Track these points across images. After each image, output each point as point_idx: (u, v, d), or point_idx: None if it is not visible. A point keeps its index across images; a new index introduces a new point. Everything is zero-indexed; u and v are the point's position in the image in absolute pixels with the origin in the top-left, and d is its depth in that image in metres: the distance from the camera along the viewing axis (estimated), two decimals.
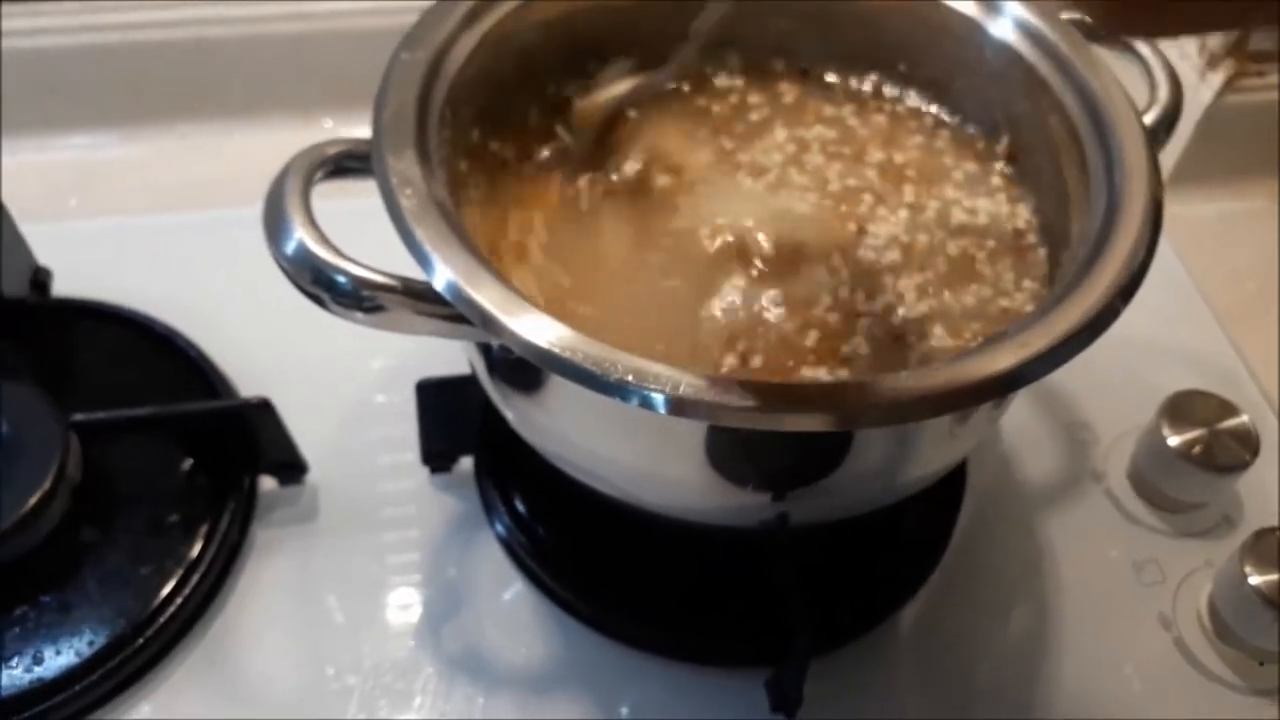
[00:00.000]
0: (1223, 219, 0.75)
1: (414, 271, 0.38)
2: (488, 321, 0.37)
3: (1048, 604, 0.55)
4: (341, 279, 0.38)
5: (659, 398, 0.35)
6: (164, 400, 0.56)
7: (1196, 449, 0.56)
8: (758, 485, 0.43)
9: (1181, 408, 0.57)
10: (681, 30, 0.52)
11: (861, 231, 0.47)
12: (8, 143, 0.71)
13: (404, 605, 0.54)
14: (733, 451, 0.41)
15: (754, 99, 0.53)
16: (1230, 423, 0.56)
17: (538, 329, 0.36)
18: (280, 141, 0.74)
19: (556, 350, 0.35)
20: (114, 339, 0.61)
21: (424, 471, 0.57)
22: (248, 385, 0.60)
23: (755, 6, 0.52)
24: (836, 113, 0.53)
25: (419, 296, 0.38)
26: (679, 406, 0.35)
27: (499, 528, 0.55)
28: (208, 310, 0.62)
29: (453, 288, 0.37)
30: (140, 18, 0.73)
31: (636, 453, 0.43)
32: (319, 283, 0.38)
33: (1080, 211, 0.43)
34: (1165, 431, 0.56)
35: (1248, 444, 0.55)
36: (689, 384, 0.35)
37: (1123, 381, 0.62)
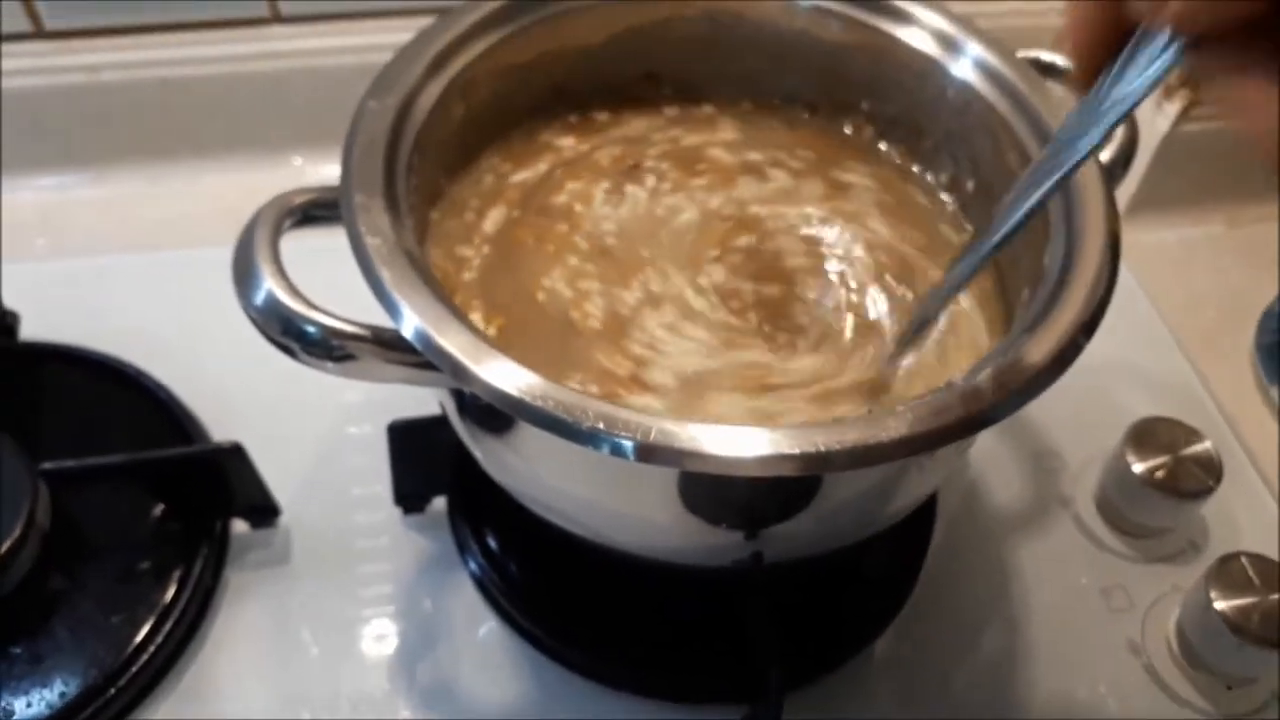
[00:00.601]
0: (1181, 245, 0.77)
1: (383, 317, 0.39)
2: (458, 370, 0.37)
3: (1018, 632, 0.56)
4: (311, 329, 0.38)
5: (629, 444, 0.35)
6: (134, 443, 0.56)
7: (1161, 475, 0.56)
8: (730, 525, 0.43)
9: (1146, 434, 0.58)
10: (644, 73, 0.53)
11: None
12: None
13: (379, 646, 0.54)
14: (704, 493, 0.41)
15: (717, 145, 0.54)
16: (1194, 449, 0.57)
17: (508, 377, 0.36)
18: (249, 181, 0.75)
19: (527, 399, 0.36)
20: (83, 382, 0.61)
21: (397, 512, 0.57)
22: (218, 425, 0.60)
23: (720, 48, 0.53)
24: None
25: (389, 345, 0.38)
26: (649, 454, 0.35)
27: (472, 567, 0.55)
28: (178, 351, 0.62)
29: (422, 336, 0.37)
30: (107, 59, 0.73)
31: (608, 495, 0.43)
32: (289, 333, 0.38)
33: (1039, 248, 0.43)
34: (1130, 458, 0.57)
35: (1211, 470, 0.56)
36: (660, 431, 0.35)
37: (1088, 409, 0.63)
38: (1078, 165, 0.35)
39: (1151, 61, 0.31)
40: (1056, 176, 0.35)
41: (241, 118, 0.75)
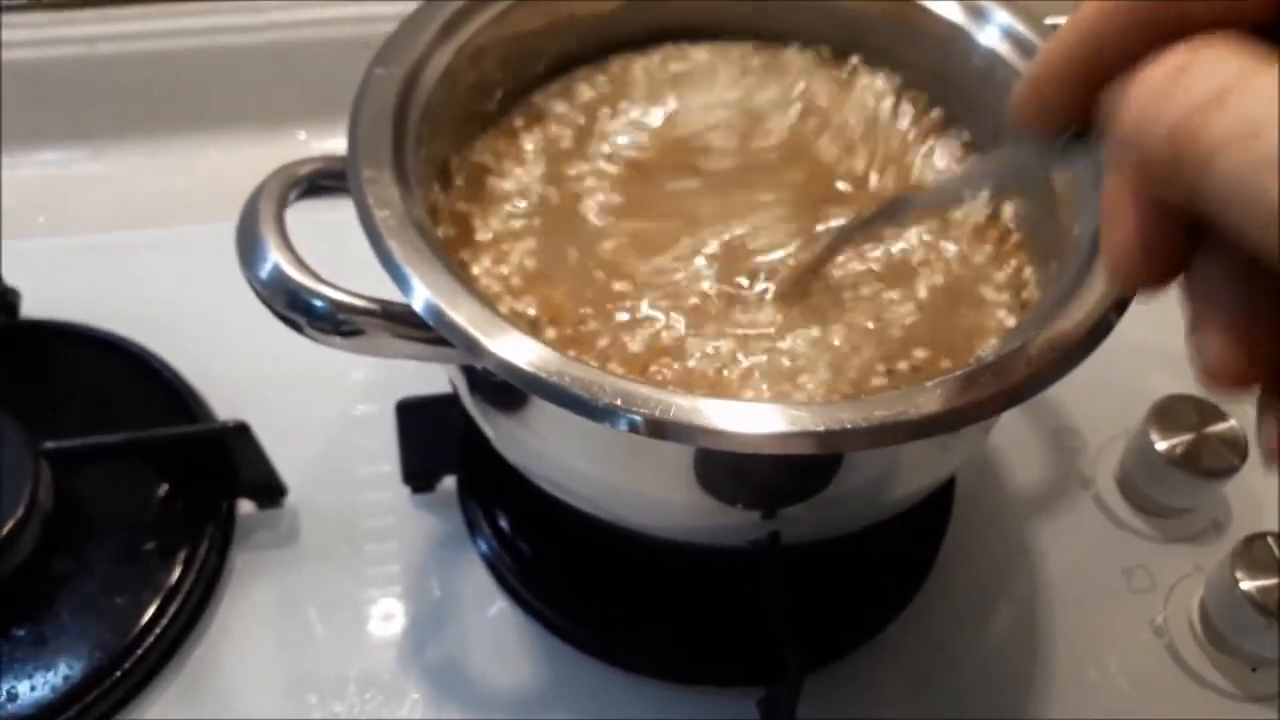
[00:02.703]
0: None
1: (392, 291, 0.37)
2: (470, 345, 0.36)
3: (1037, 613, 0.55)
4: (318, 303, 0.37)
5: (647, 421, 0.34)
6: (138, 422, 0.55)
7: (1185, 453, 0.55)
8: (747, 504, 0.42)
9: (1169, 412, 0.56)
10: (658, 38, 0.52)
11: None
12: None
13: (387, 627, 0.53)
14: (721, 471, 0.40)
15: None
16: (1218, 427, 0.56)
17: (521, 352, 0.35)
18: (253, 154, 0.73)
19: (542, 374, 0.35)
20: (86, 361, 0.60)
21: (405, 491, 0.56)
22: (223, 403, 0.59)
23: (733, 13, 0.51)
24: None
25: (399, 320, 0.37)
26: (667, 430, 0.34)
27: (482, 547, 0.54)
28: (181, 329, 0.61)
29: (433, 310, 0.36)
30: (108, 30, 0.71)
31: (623, 473, 0.42)
32: (295, 307, 0.37)
33: (1069, 218, 0.42)
34: (1153, 436, 0.56)
35: (1236, 448, 0.55)
36: (678, 408, 0.34)
37: (1109, 386, 0.61)
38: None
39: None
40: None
41: (244, 91, 0.74)
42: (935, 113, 0.50)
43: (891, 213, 0.43)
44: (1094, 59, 0.26)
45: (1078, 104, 0.27)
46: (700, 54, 0.53)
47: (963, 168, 0.38)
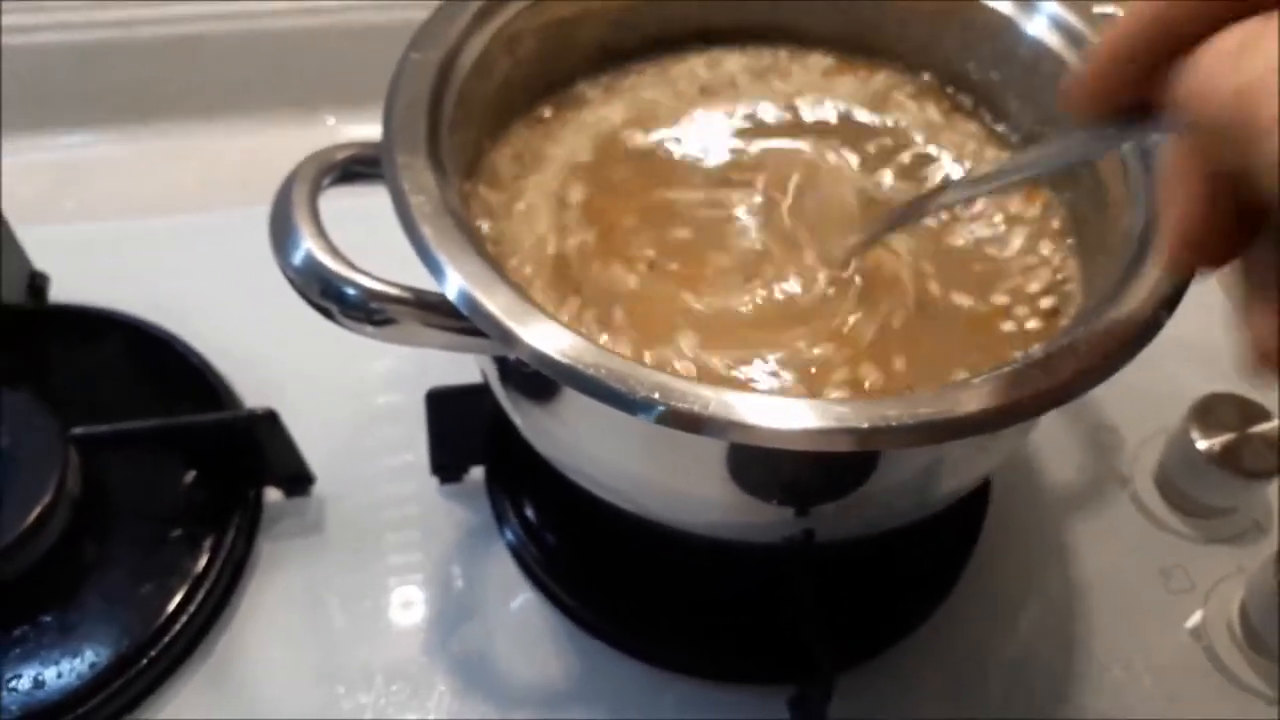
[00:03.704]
0: None
1: (425, 280, 0.37)
2: (504, 335, 0.35)
3: (1073, 613, 0.54)
4: (351, 291, 0.36)
5: (685, 416, 0.33)
6: (165, 409, 0.54)
7: (1226, 453, 0.54)
8: (782, 501, 0.41)
9: (1210, 411, 0.55)
10: (697, 27, 0.51)
11: None
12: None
13: (413, 617, 0.52)
14: (757, 467, 0.39)
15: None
16: (1261, 427, 0.55)
17: (556, 342, 0.34)
18: (282, 139, 0.73)
19: (578, 365, 0.34)
20: (113, 346, 0.60)
21: (433, 481, 0.56)
22: (250, 391, 0.58)
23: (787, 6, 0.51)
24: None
25: (432, 309, 0.37)
26: (705, 425, 0.33)
27: (510, 538, 0.54)
28: (210, 315, 0.61)
29: (467, 299, 0.36)
30: (139, 14, 0.71)
31: (656, 467, 0.42)
32: (327, 295, 0.37)
33: (1119, 213, 0.41)
34: (1194, 435, 0.55)
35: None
36: (715, 402, 0.33)
37: (1148, 383, 0.60)
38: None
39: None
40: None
41: (275, 75, 0.74)
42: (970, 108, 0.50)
43: (939, 198, 0.43)
44: (1165, 37, 0.25)
45: (1139, 87, 0.26)
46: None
47: (1011, 156, 0.38)
